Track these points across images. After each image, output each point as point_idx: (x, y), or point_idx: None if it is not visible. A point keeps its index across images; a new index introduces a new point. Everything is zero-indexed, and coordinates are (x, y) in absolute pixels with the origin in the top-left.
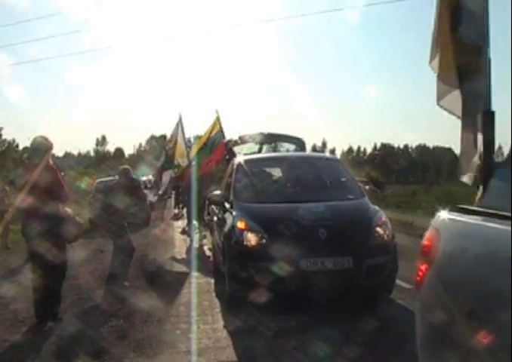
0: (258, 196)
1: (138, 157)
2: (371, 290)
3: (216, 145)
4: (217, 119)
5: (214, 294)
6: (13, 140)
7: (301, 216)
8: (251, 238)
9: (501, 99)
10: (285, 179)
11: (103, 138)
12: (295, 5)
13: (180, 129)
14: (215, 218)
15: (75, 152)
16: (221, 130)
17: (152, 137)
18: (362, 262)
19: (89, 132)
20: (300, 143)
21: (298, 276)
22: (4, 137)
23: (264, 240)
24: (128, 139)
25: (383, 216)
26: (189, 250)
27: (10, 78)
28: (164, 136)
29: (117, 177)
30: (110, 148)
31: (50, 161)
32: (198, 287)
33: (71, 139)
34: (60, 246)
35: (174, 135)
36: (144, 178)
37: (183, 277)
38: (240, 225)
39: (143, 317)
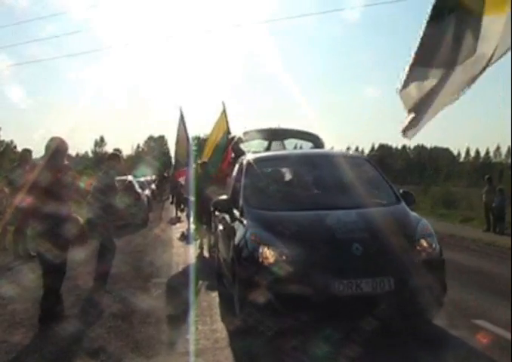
0: (274, 202)
1: (136, 157)
2: (409, 317)
3: (226, 144)
4: (224, 112)
5: (212, 295)
6: (12, 141)
7: (330, 226)
8: (268, 254)
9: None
10: (304, 182)
11: (102, 139)
12: (295, 5)
13: (182, 126)
14: (221, 227)
15: (73, 153)
16: (227, 126)
17: (150, 138)
18: (406, 284)
19: (87, 133)
20: (314, 140)
21: (329, 302)
22: (2, 138)
23: (284, 257)
24: (125, 140)
25: (427, 224)
26: (188, 251)
27: (9, 78)
28: (162, 137)
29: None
30: (109, 149)
31: (63, 162)
32: (196, 288)
33: (69, 139)
34: (61, 246)
35: (181, 133)
36: (142, 179)
37: (182, 277)
38: (254, 237)
39: (142, 318)
